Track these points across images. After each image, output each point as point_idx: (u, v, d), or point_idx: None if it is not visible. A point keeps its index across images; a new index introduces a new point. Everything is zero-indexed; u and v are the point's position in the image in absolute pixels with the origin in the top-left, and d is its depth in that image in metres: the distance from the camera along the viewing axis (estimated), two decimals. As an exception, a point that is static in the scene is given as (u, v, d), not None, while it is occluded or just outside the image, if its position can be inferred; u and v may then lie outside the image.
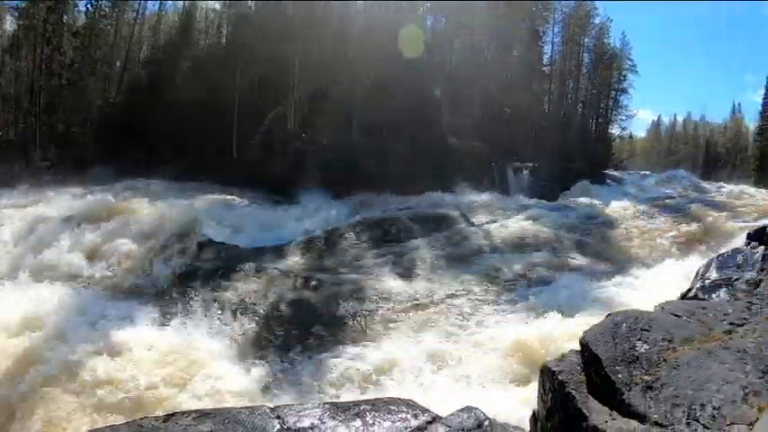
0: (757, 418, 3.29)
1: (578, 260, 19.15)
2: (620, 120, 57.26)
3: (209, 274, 16.60)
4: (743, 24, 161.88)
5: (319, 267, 18.52)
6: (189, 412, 5.77)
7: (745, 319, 4.74)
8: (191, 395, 9.69)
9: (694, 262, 13.56)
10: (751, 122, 77.28)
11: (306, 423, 5.20)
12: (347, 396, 9.83)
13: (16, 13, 38.99)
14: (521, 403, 8.52)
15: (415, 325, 14.18)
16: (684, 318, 4.69)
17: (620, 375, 3.98)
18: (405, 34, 37.43)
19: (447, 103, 40.56)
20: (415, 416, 5.31)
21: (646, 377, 3.89)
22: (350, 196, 28.42)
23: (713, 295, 7.88)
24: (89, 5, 40.63)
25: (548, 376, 4.55)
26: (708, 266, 8.94)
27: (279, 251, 19.79)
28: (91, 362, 10.34)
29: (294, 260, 19.17)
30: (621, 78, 55.51)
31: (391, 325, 14.24)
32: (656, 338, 4.25)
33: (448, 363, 11.87)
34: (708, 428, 3.33)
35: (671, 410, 3.53)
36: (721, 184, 45.60)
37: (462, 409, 5.55)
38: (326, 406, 5.53)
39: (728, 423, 3.32)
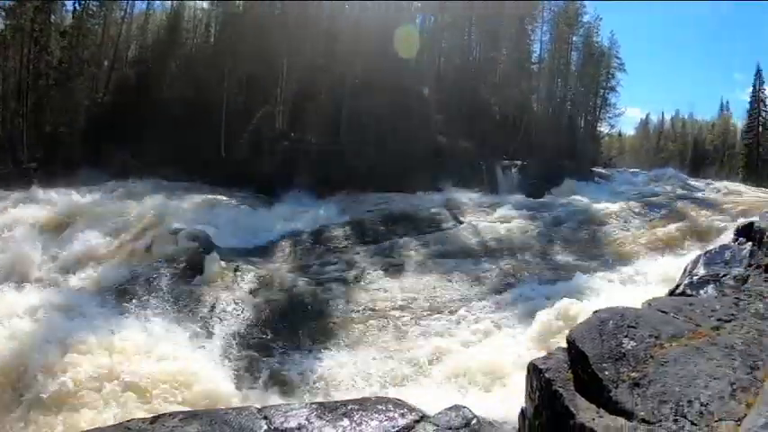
0: (745, 414, 3.28)
1: (565, 257, 19.25)
2: (609, 118, 57.82)
3: (192, 275, 16.42)
4: (731, 23, 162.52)
5: (306, 267, 18.49)
6: (176, 413, 5.75)
7: (732, 315, 4.73)
8: (175, 398, 9.56)
9: (682, 259, 13.63)
10: (739, 120, 77.83)
11: (293, 423, 5.19)
12: (335, 396, 9.80)
13: (3, 13, 38.59)
14: (511, 401, 8.52)
15: (404, 324, 14.18)
16: (672, 314, 4.68)
17: (606, 372, 3.96)
18: (400, 34, 37.43)
19: (436, 102, 40.54)
20: (403, 415, 5.31)
21: (633, 374, 3.87)
22: (338, 195, 28.36)
23: (701, 291, 7.90)
24: (77, 5, 40.31)
25: (535, 374, 4.54)
26: (695, 263, 8.96)
27: (265, 251, 19.73)
28: (72, 363, 10.16)
29: (280, 260, 19.11)
30: (610, 76, 55.85)
31: (379, 324, 14.23)
32: (643, 335, 4.24)
33: (437, 362, 11.88)
34: (695, 425, 3.32)
35: (658, 407, 3.51)
36: (709, 181, 45.76)
37: (450, 408, 5.55)
38: (314, 406, 5.52)
39: (716, 419, 3.31)
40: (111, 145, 31.83)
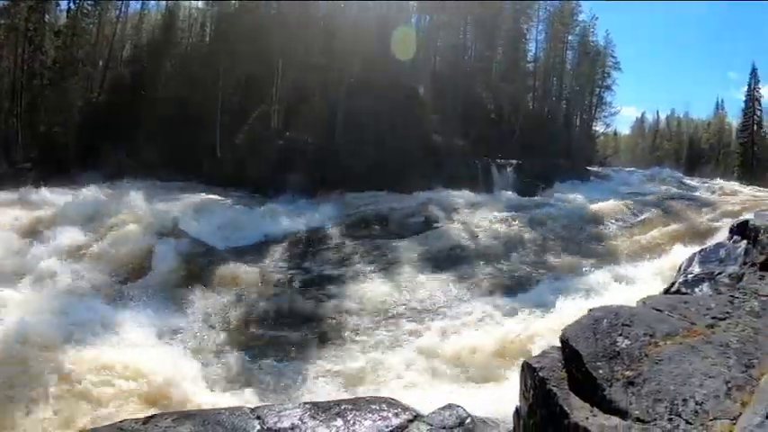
0: (740, 413, 3.25)
1: (559, 256, 19.26)
2: (605, 117, 57.99)
3: (187, 275, 16.36)
4: (726, 22, 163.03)
5: (301, 267, 18.46)
6: (169, 414, 5.72)
7: (727, 313, 4.70)
8: (167, 399, 9.49)
9: (677, 257, 13.64)
10: (734, 119, 77.92)
11: (286, 423, 5.16)
12: (329, 396, 9.76)
13: (-3, 13, 38.51)
14: (506, 400, 8.50)
15: (397, 324, 14.16)
16: (666, 312, 4.65)
17: (601, 371, 3.93)
18: (398, 36, 37.43)
19: (431, 101, 40.55)
20: (397, 414, 5.28)
21: (627, 373, 3.84)
22: (333, 195, 28.31)
23: (696, 289, 7.88)
24: (71, 4, 40.10)
25: (528, 373, 4.50)
26: (690, 261, 8.96)
27: (259, 250, 19.66)
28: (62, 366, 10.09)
29: (275, 260, 19.05)
30: (605, 75, 55.97)
31: (373, 324, 14.21)
32: (638, 333, 4.21)
33: (432, 360, 11.86)
34: (690, 424, 3.29)
35: (653, 406, 3.48)
36: (705, 179, 45.93)
37: (444, 407, 5.52)
38: (307, 406, 5.49)
39: (711, 418, 3.28)
40: (107, 144, 31.69)
